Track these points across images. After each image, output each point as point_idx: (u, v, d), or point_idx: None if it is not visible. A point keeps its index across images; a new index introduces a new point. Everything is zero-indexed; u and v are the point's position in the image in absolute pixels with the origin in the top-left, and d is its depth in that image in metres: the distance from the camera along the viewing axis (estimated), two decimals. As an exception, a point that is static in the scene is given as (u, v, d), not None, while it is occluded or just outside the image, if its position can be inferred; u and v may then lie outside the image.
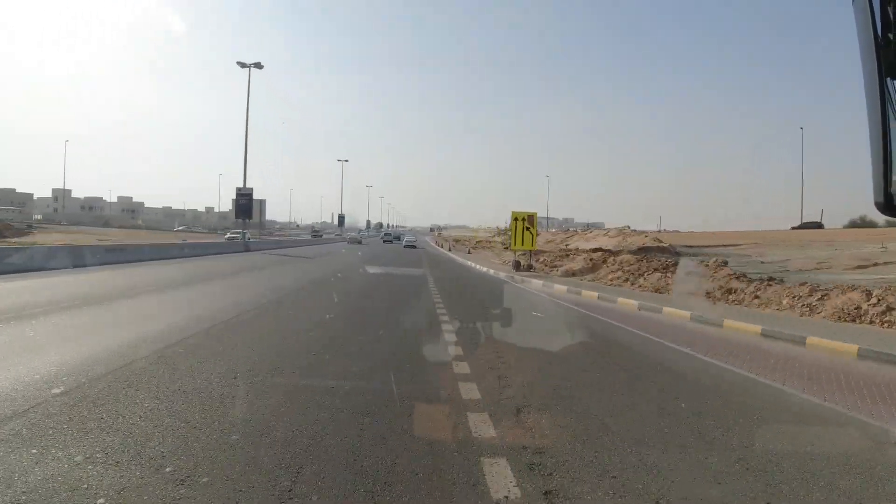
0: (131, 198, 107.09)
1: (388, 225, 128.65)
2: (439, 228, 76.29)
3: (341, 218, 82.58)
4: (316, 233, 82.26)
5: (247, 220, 36.47)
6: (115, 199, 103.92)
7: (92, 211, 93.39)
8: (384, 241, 59.74)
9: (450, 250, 43.68)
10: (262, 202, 49.63)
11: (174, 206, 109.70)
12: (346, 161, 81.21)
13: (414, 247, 47.04)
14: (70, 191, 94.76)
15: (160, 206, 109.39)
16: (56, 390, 3.86)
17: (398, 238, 63.84)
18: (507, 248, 48.46)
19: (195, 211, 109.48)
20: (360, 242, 54.16)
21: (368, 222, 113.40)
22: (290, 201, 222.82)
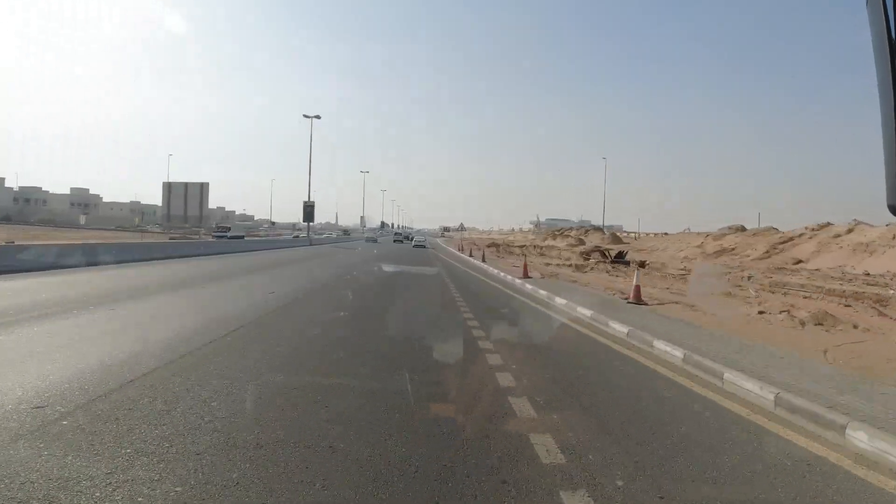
0: (87, 189, 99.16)
1: (392, 225, 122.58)
2: (461, 228, 69.80)
3: (308, 210, 48.57)
4: (222, 228, 50.74)
5: None
6: (67, 191, 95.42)
7: (28, 204, 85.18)
8: (395, 241, 62.82)
9: (531, 275, 16.14)
10: (202, 186, 35.10)
11: (144, 202, 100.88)
12: (318, 118, 46.18)
13: (424, 247, 45.25)
14: (3, 179, 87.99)
15: (127, 201, 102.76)
16: None
17: (408, 238, 66.24)
18: (584, 259, 26.31)
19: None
20: (375, 241, 57.70)
21: (362, 219, 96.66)
22: (271, 195, 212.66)
